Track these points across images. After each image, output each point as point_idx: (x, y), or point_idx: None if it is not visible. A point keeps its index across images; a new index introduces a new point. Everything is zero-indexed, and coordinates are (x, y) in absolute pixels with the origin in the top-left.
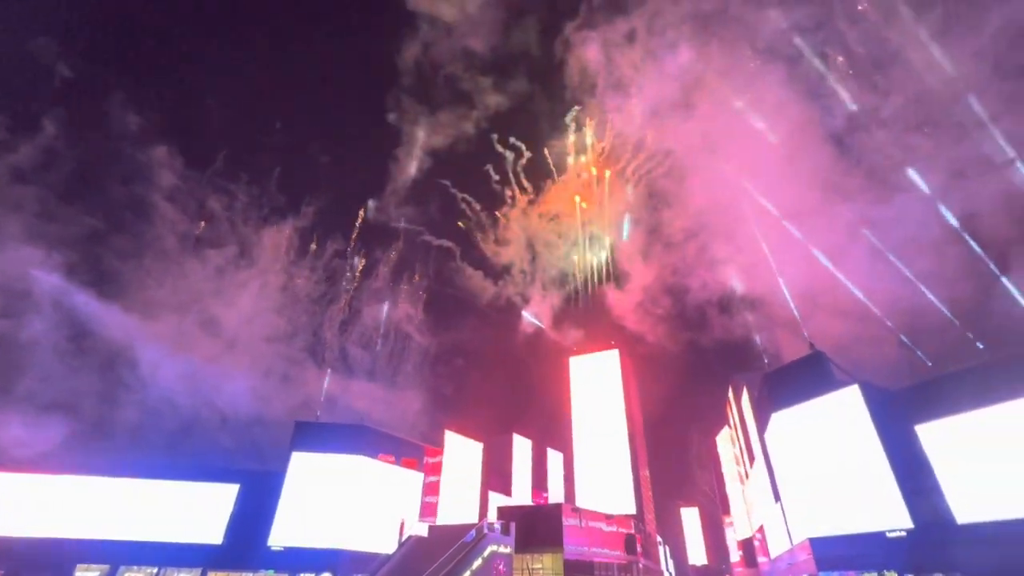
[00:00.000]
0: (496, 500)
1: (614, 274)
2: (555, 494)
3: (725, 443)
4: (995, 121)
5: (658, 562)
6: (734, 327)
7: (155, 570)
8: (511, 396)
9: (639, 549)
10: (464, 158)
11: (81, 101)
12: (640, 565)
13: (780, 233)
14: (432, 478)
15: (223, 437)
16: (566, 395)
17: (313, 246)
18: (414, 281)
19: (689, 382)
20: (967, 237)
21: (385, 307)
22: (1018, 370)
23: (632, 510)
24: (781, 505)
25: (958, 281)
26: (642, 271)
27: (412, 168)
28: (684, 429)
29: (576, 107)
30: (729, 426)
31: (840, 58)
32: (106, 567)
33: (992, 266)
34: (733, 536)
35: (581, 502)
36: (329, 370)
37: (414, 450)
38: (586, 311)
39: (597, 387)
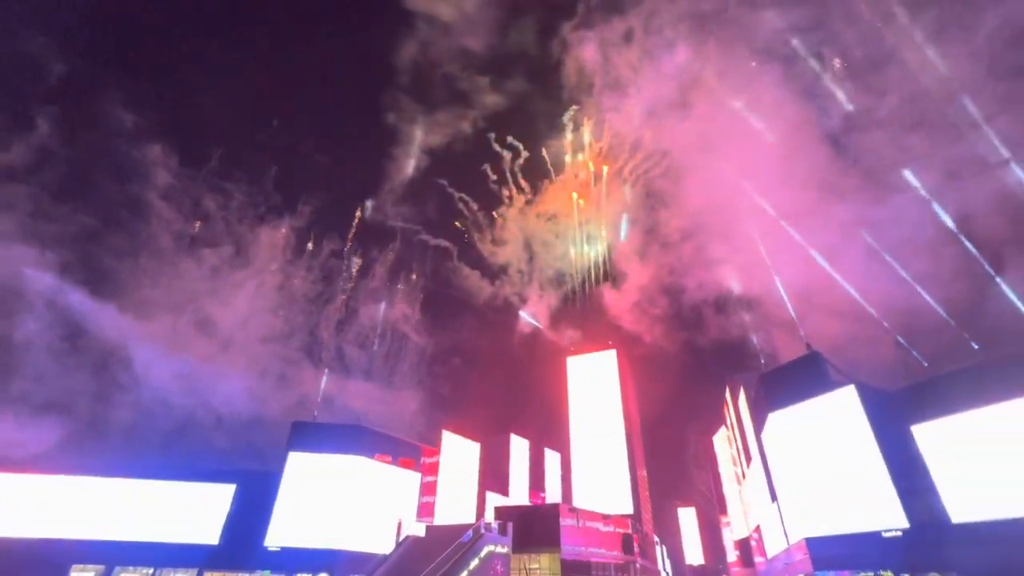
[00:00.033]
0: (493, 500)
1: (611, 274)
2: (552, 494)
3: (722, 443)
4: (989, 122)
5: (655, 562)
6: (731, 327)
7: (151, 571)
8: (508, 396)
9: (636, 549)
10: (461, 157)
11: (75, 99)
12: (637, 565)
13: (777, 233)
14: (429, 478)
15: (219, 437)
16: (563, 395)
17: (310, 245)
18: (411, 281)
19: (686, 382)
20: (962, 238)
21: (382, 307)
22: (1013, 371)
23: (629, 510)
24: (778, 505)
25: (953, 281)
26: (639, 271)
27: (409, 167)
28: (681, 429)
29: (574, 107)
30: (726, 426)
31: (836, 59)
32: (102, 567)
33: (987, 267)
34: (730, 536)
35: (578, 502)
36: (326, 370)
37: (411, 450)
38: (583, 311)
39: (595, 387)
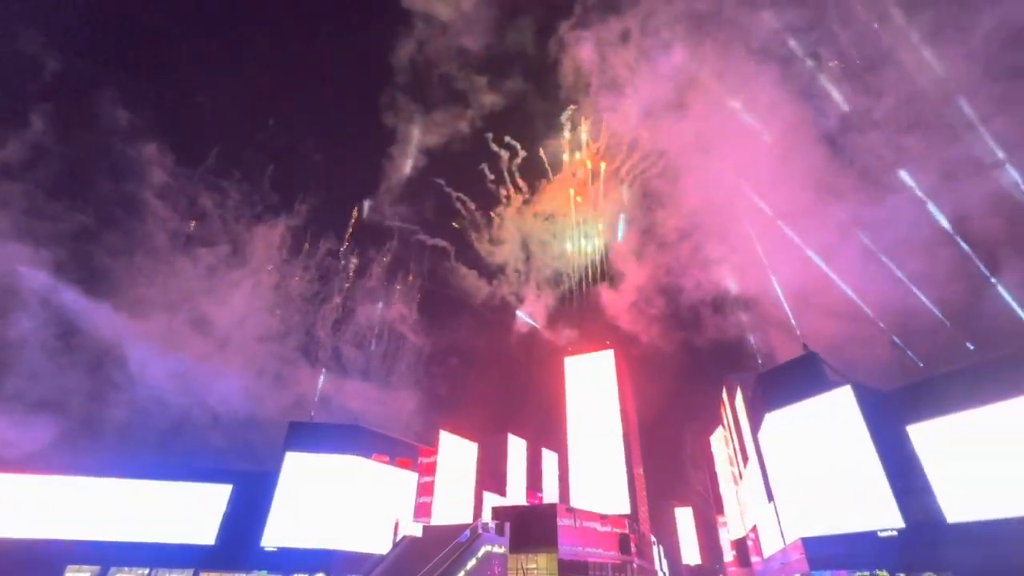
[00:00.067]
0: (491, 500)
1: (608, 274)
2: (550, 494)
3: (719, 443)
4: (985, 123)
5: (652, 562)
6: (728, 327)
7: (147, 571)
8: (506, 396)
9: (633, 549)
10: (459, 157)
11: (70, 96)
12: (634, 565)
13: (774, 233)
14: (426, 478)
15: (216, 437)
16: (561, 395)
17: (306, 245)
18: (408, 280)
19: (683, 382)
20: (958, 239)
21: (379, 306)
22: (1007, 371)
23: (627, 510)
24: (774, 505)
25: (949, 282)
26: (636, 271)
27: (407, 167)
28: (678, 429)
29: (571, 107)
30: (723, 426)
31: (833, 60)
32: (97, 568)
33: (982, 268)
34: (727, 536)
35: (576, 502)
36: (323, 370)
37: (408, 450)
38: (581, 311)
39: (592, 387)
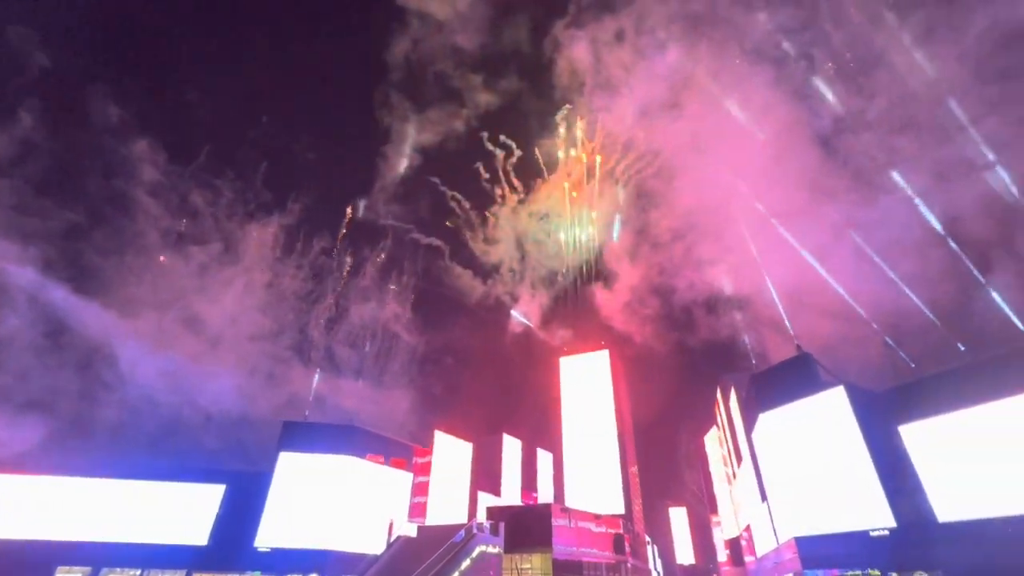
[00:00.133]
0: (485, 500)
1: (603, 274)
2: (544, 494)
3: (713, 443)
4: (977, 124)
5: (646, 561)
6: (722, 327)
7: (138, 572)
8: (501, 396)
9: (628, 549)
10: (454, 156)
11: (59, 92)
12: (629, 565)
13: (767, 233)
14: (421, 478)
15: (209, 437)
16: (556, 395)
17: (299, 244)
18: (402, 280)
19: (678, 383)
20: (949, 240)
21: (373, 306)
22: (997, 372)
23: (621, 510)
24: (768, 505)
25: (940, 283)
26: (631, 271)
27: (401, 165)
28: (673, 429)
29: (567, 106)
30: (717, 426)
31: (827, 61)
32: (88, 569)
33: (973, 268)
34: (720, 535)
35: (570, 502)
36: (318, 369)
37: (403, 450)
38: (575, 311)
39: (587, 387)
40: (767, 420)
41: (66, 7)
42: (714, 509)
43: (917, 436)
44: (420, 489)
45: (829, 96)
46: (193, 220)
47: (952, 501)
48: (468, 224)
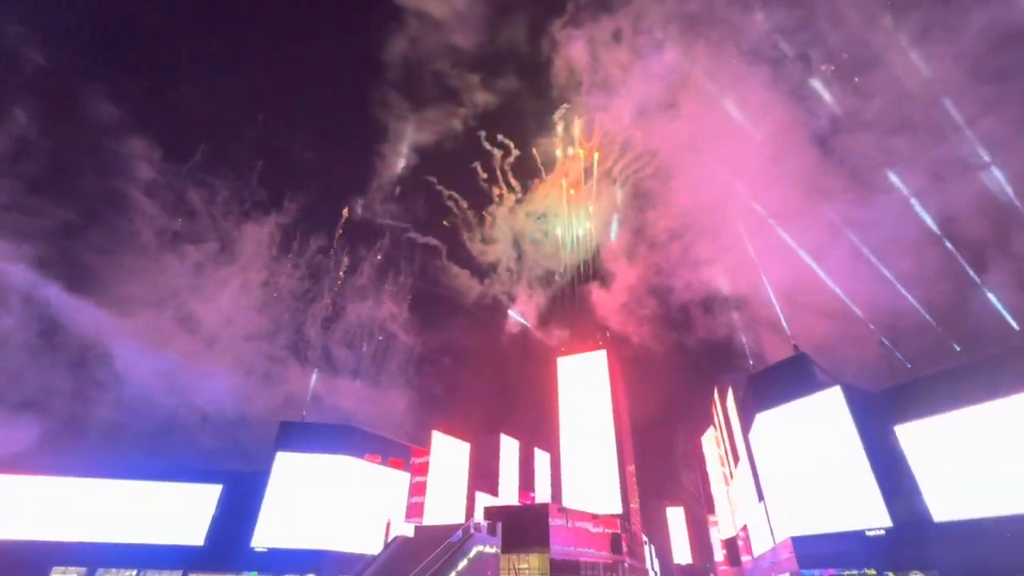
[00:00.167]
0: (483, 500)
1: (601, 274)
2: (542, 494)
3: (710, 443)
4: (972, 124)
5: (644, 561)
6: (719, 327)
7: (134, 572)
8: (498, 396)
9: (625, 549)
10: (451, 155)
11: (56, 90)
12: (626, 564)
13: (764, 233)
14: (419, 478)
15: (205, 437)
16: (553, 395)
17: (296, 243)
18: (399, 279)
19: (675, 383)
20: (945, 240)
21: (370, 305)
22: (992, 372)
23: (618, 510)
24: (764, 504)
25: (936, 283)
26: (628, 271)
27: (398, 165)
28: (670, 429)
29: (564, 105)
30: (714, 426)
31: (823, 61)
32: (83, 569)
33: (968, 268)
34: (717, 535)
35: (568, 502)
36: (315, 369)
37: (401, 450)
38: (572, 311)
39: (585, 387)
40: (764, 420)
41: (66, 7)
42: (711, 509)
43: (913, 436)
44: (417, 489)
45: (826, 96)
46: (189, 219)
47: (948, 501)
48: (465, 223)
